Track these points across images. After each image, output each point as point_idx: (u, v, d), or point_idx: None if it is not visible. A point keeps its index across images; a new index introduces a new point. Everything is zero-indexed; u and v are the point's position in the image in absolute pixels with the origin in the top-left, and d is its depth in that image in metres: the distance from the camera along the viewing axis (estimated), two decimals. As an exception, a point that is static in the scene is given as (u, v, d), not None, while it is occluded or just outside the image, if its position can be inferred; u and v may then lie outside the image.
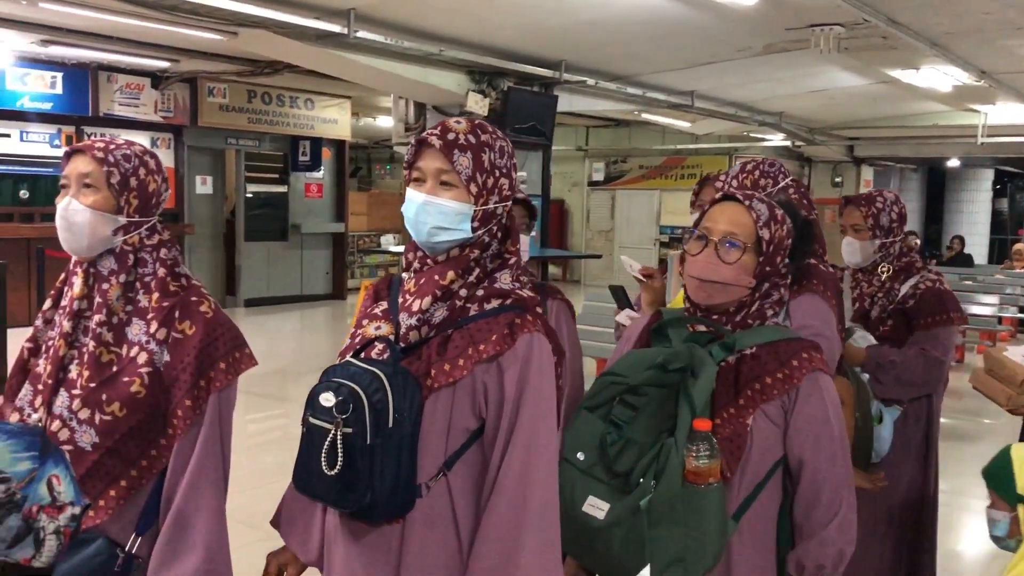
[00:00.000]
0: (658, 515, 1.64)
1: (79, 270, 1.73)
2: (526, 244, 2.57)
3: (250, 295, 11.96)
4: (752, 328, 1.76)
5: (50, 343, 1.74)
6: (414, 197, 1.59)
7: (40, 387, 1.69)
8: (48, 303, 1.79)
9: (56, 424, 1.62)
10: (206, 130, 11.17)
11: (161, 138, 10.90)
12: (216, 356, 1.72)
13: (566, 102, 9.10)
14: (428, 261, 1.61)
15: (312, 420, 1.52)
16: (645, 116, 11.88)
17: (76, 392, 1.66)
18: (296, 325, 11.34)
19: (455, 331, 1.56)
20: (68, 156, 1.74)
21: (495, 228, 1.62)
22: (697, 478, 1.62)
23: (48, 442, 1.17)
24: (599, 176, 16.49)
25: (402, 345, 1.57)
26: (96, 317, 1.70)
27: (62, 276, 1.79)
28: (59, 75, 9.80)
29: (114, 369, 1.68)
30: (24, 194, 9.84)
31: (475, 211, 1.57)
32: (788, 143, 14.62)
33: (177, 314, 1.72)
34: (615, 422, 1.71)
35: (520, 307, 1.58)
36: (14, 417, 1.66)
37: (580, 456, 1.73)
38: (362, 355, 1.60)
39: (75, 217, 1.69)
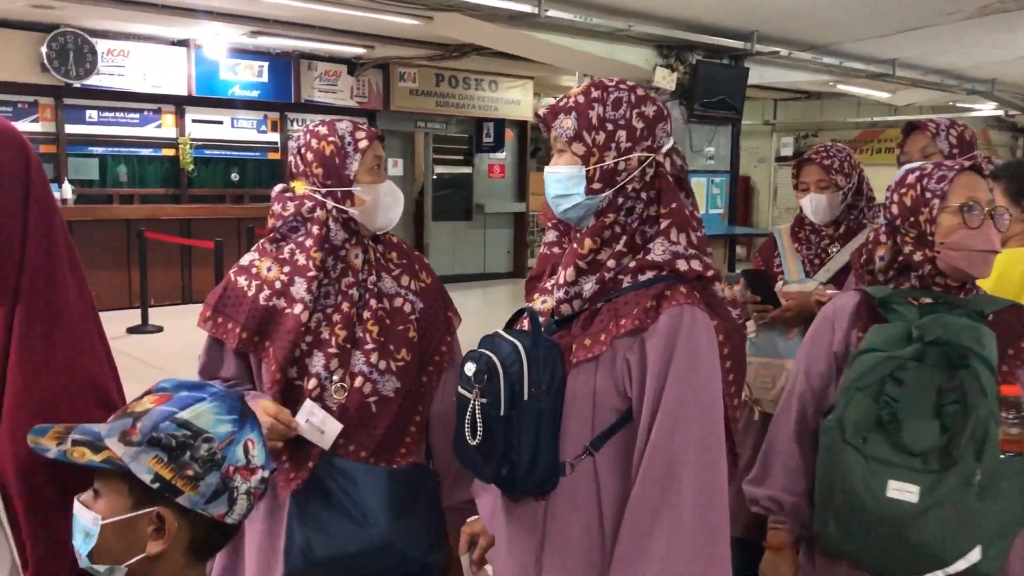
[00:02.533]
0: (982, 490, 1.54)
1: (353, 244, 1.88)
2: None
3: (437, 273, 12.28)
4: (975, 297, 1.72)
5: (329, 311, 1.84)
6: (546, 170, 1.57)
7: (332, 350, 1.81)
8: (303, 283, 1.83)
9: (359, 380, 1.82)
10: (397, 114, 11.58)
11: (362, 122, 11.36)
12: (447, 301, 2.03)
13: (756, 74, 8.77)
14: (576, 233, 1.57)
15: (459, 389, 1.53)
16: (840, 87, 11.27)
17: (369, 347, 1.84)
18: (479, 302, 11.60)
19: (604, 305, 1.48)
20: (372, 140, 1.88)
21: (630, 187, 1.50)
22: (1012, 446, 1.54)
23: (247, 407, 1.22)
24: (787, 151, 15.83)
25: (555, 319, 1.54)
26: (370, 278, 1.89)
27: (295, 251, 1.87)
28: (265, 64, 10.43)
29: (390, 321, 1.89)
30: (235, 177, 10.56)
31: (587, 171, 1.48)
32: (1000, 112, 13.50)
33: (417, 266, 2.00)
34: (887, 400, 1.60)
35: (675, 278, 1.46)
36: (311, 383, 1.80)
37: (862, 440, 1.60)
38: (515, 326, 1.59)
39: (399, 196, 1.92)
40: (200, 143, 10.13)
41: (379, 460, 1.83)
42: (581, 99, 1.51)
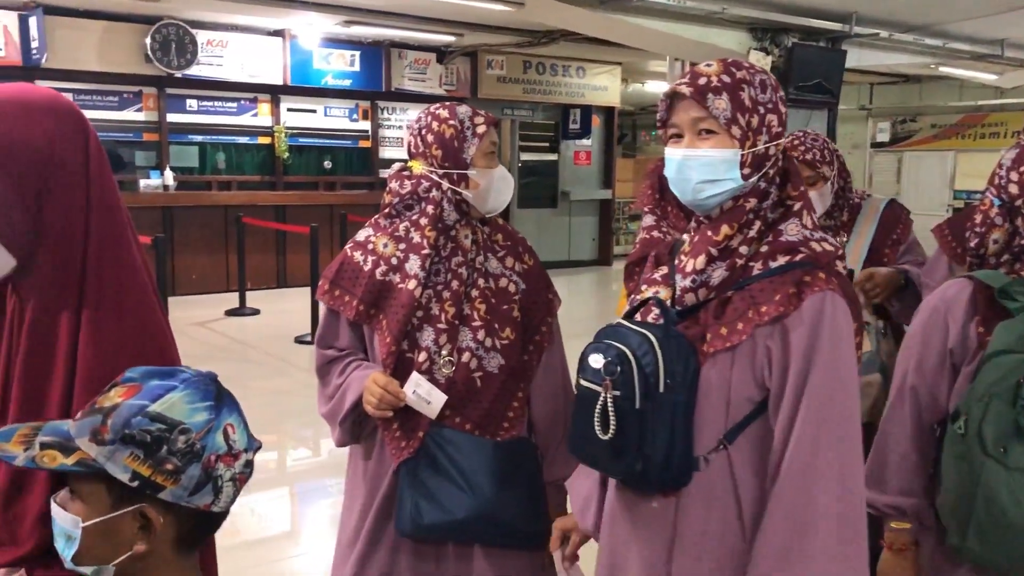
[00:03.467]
0: None
1: (464, 225, 1.94)
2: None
3: (523, 260, 12.36)
4: None
5: (440, 288, 1.91)
6: (673, 154, 1.48)
7: (441, 326, 1.89)
8: (417, 260, 1.92)
9: (467, 355, 1.90)
10: (485, 102, 11.62)
11: (443, 110, 11.47)
12: (548, 283, 2.07)
13: (854, 57, 8.52)
14: (702, 220, 1.50)
15: (582, 382, 1.47)
16: (942, 70, 10.87)
17: (476, 324, 1.91)
18: (564, 290, 11.51)
19: (735, 293, 1.43)
20: (490, 126, 1.94)
21: (771, 172, 1.47)
22: None
23: (222, 389, 1.15)
24: (884, 137, 15.36)
25: (678, 308, 1.48)
26: (478, 258, 1.96)
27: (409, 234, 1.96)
28: (357, 54, 10.60)
29: (495, 300, 1.95)
30: (327, 164, 10.78)
31: (743, 155, 1.43)
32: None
33: (520, 248, 2.05)
34: None
35: (811, 263, 1.42)
36: (422, 356, 1.88)
37: (1002, 450, 1.51)
38: (635, 318, 1.53)
39: (510, 181, 1.96)
40: (294, 131, 10.36)
41: (484, 432, 1.91)
42: (727, 79, 1.44)
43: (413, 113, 11.19)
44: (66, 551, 1.09)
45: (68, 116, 1.25)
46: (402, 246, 1.93)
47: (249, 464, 1.16)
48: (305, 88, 10.32)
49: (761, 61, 7.64)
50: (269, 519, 3.99)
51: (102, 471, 1.06)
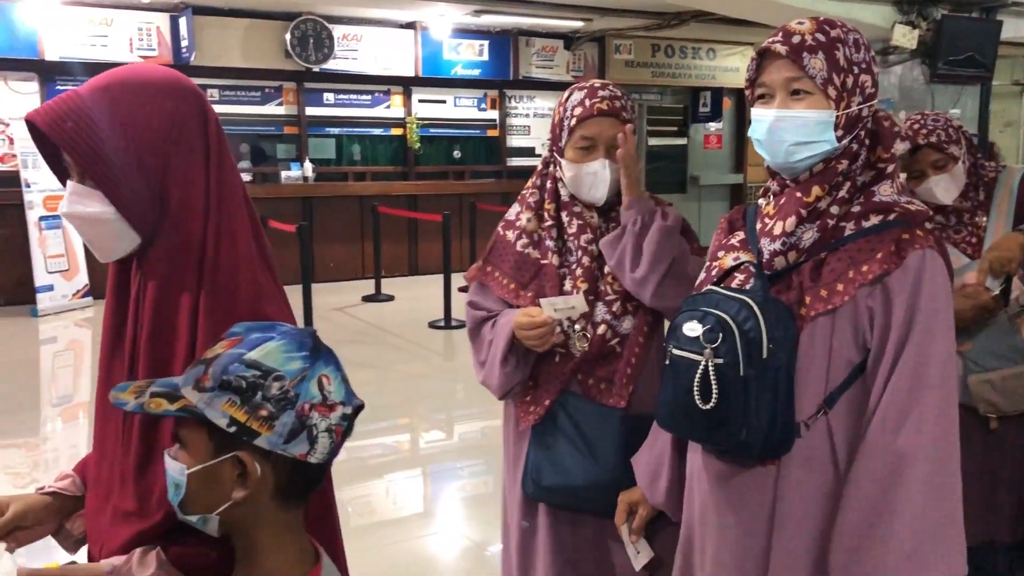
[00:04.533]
0: None
1: (588, 205, 1.93)
2: None
3: (651, 246, 12.22)
4: None
5: (573, 265, 1.94)
6: (762, 115, 1.44)
7: None
8: (546, 233, 1.98)
9: (602, 328, 1.90)
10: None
11: (571, 96, 11.45)
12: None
13: (1011, 28, 7.99)
14: (788, 183, 1.47)
15: (676, 351, 1.43)
16: (1108, 39, 10.07)
17: (611, 299, 1.91)
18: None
19: (829, 254, 1.41)
20: (584, 120, 1.88)
21: (862, 134, 1.44)
22: None
23: (319, 342, 1.15)
24: (1041, 113, 14.39)
25: (767, 273, 1.45)
26: (584, 236, 1.97)
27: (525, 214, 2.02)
28: (486, 43, 10.71)
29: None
30: (457, 154, 10.94)
31: (837, 117, 1.41)
32: None
33: None
34: None
35: (905, 222, 1.40)
36: (556, 331, 1.89)
37: None
38: (721, 286, 1.49)
39: (613, 175, 1.89)
40: (425, 122, 10.56)
41: (617, 401, 1.90)
42: (822, 38, 1.41)
43: (540, 101, 11.22)
44: (174, 498, 1.13)
45: (188, 96, 1.26)
46: (537, 221, 2.00)
47: (346, 417, 1.15)
48: (435, 79, 10.50)
49: (907, 36, 7.27)
50: (403, 500, 4.10)
51: (203, 417, 1.08)
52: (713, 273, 1.53)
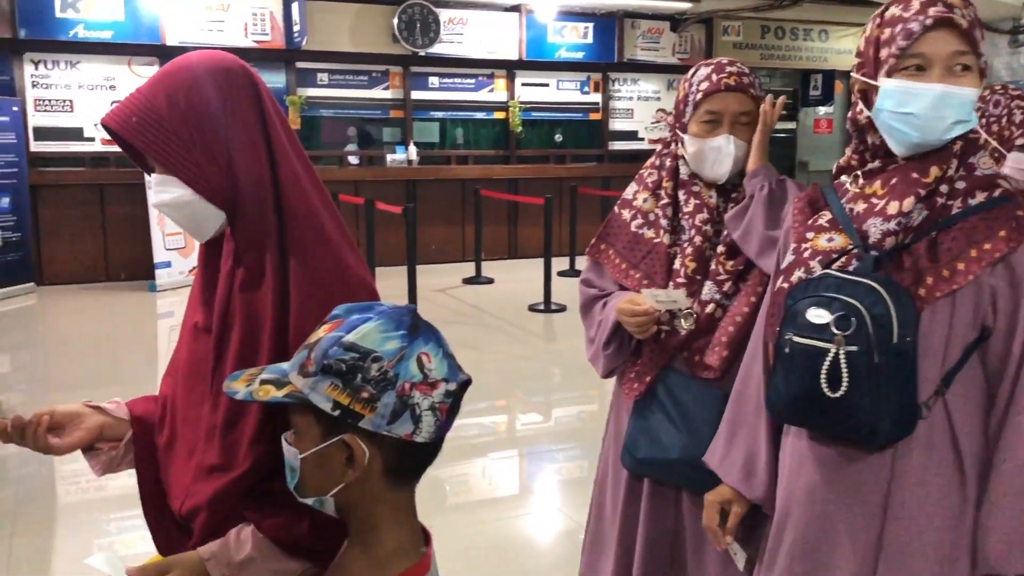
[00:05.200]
0: None
1: (707, 184, 1.94)
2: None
3: (755, 233, 11.97)
4: None
5: (684, 244, 1.94)
6: (922, 88, 1.38)
7: (680, 280, 1.92)
8: (660, 211, 1.98)
9: (710, 307, 1.89)
10: (719, 69, 11.31)
11: (676, 79, 11.29)
12: None
13: None
14: (899, 161, 1.44)
15: (798, 339, 1.40)
16: None
17: (722, 278, 1.90)
18: (801, 265, 11.13)
19: (939, 233, 1.39)
20: (710, 94, 1.88)
21: None
22: None
23: (418, 320, 1.14)
24: None
25: (875, 254, 1.41)
26: (700, 216, 1.96)
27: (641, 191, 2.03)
28: (590, 26, 10.64)
29: (741, 255, 1.92)
30: (558, 138, 10.93)
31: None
32: None
33: None
34: None
35: (1009, 198, 1.39)
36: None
37: None
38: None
39: (738, 152, 1.88)
40: (527, 105, 10.58)
41: (719, 378, 1.88)
42: (972, 13, 1.40)
43: (644, 84, 11.09)
44: (291, 482, 1.15)
45: (235, 72, 1.32)
46: (653, 201, 2.00)
47: (450, 394, 1.14)
48: (538, 62, 10.50)
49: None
50: (499, 480, 4.15)
51: (309, 402, 1.10)
52: (806, 255, 1.50)
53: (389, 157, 9.91)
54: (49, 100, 8.60)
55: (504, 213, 10.25)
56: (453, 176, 10.10)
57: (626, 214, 2.03)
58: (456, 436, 4.97)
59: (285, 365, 1.17)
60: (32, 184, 8.31)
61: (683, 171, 1.96)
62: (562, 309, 7.44)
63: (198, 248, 1.44)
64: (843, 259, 1.45)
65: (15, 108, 8.17)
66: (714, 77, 1.89)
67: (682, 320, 1.90)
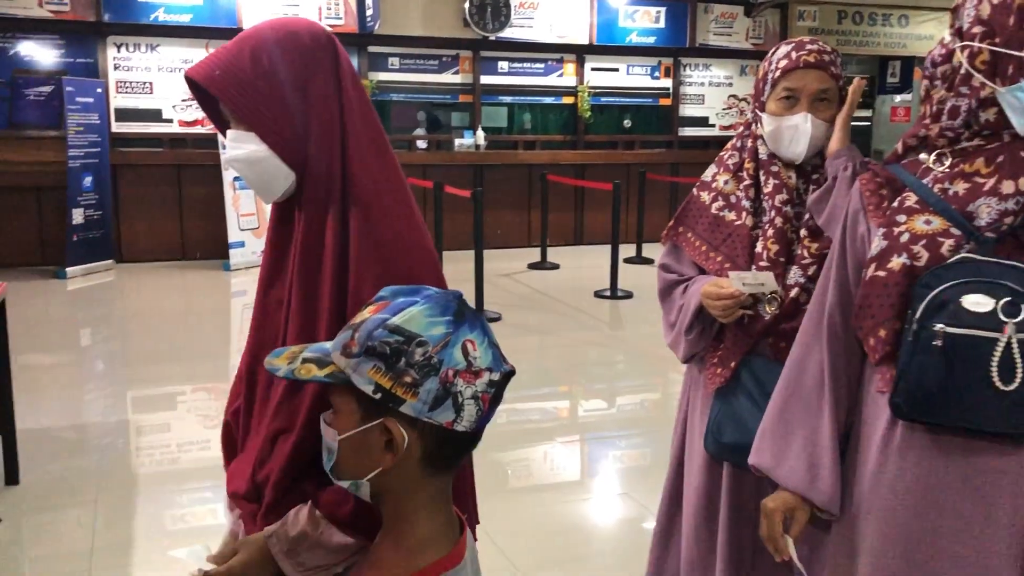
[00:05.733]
0: None
1: (787, 165, 1.92)
2: None
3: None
4: None
5: (765, 225, 1.93)
6: None
7: (763, 264, 1.90)
8: (742, 193, 1.96)
9: (794, 291, 1.87)
10: (794, 55, 11.08)
11: (749, 65, 11.11)
12: None
13: None
14: (1005, 138, 1.39)
15: (955, 330, 1.33)
16: None
17: (806, 262, 1.88)
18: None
19: None
20: (788, 71, 1.87)
21: None
22: None
23: (465, 307, 1.12)
24: None
25: (991, 236, 1.36)
26: (806, 198, 1.94)
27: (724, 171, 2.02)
28: (663, 10, 10.52)
29: (826, 239, 1.87)
30: (627, 123, 10.85)
31: None
32: None
33: None
34: None
35: None
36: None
37: None
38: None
39: (815, 131, 1.86)
40: (596, 90, 10.52)
41: None
42: None
43: (716, 70, 10.93)
44: (328, 464, 1.14)
45: (319, 36, 1.35)
46: (735, 182, 1.98)
47: (494, 384, 1.11)
48: (609, 47, 10.43)
49: None
50: (560, 465, 4.17)
51: (351, 384, 1.08)
52: (904, 239, 1.43)
53: (457, 142, 9.97)
54: (130, 82, 8.86)
55: (570, 199, 10.23)
56: (520, 161, 10.11)
57: (706, 196, 2.02)
58: (518, 420, 5.04)
59: (328, 344, 1.16)
60: (113, 164, 8.58)
61: (762, 151, 1.95)
62: (628, 296, 7.43)
63: (269, 213, 1.46)
64: (951, 242, 1.39)
65: (99, 90, 8.44)
66: (793, 55, 1.87)
67: (766, 304, 1.88)
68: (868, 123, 12.05)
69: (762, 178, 1.95)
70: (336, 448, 1.12)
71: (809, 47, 1.88)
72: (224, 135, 1.39)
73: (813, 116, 1.85)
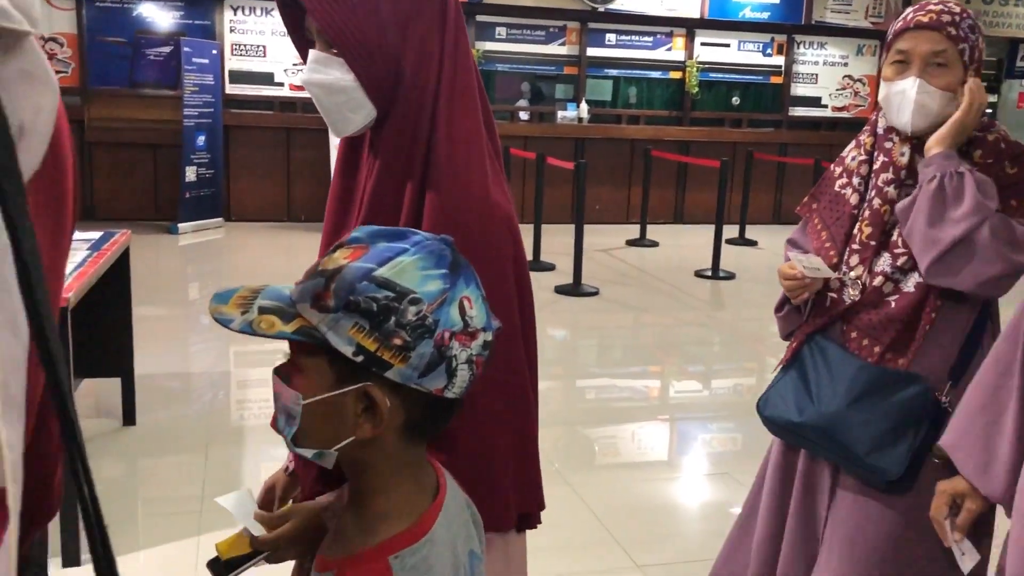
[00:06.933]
0: None
1: (901, 140, 1.78)
2: None
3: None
4: None
5: (865, 208, 1.83)
6: None
7: (855, 246, 1.82)
8: (857, 179, 1.87)
9: (879, 280, 1.78)
10: (916, 34, 10.59)
11: (867, 45, 10.68)
12: None
13: None
14: None
15: None
16: None
17: (899, 251, 1.77)
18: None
19: None
20: (901, 33, 1.75)
21: None
22: None
23: (458, 256, 0.97)
24: None
25: None
26: (883, 175, 1.82)
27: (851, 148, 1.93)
28: (778, -15, 10.19)
29: None
30: (735, 100, 10.58)
31: None
32: None
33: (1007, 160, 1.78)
34: None
35: None
36: (837, 273, 1.84)
37: None
38: None
39: (926, 99, 1.71)
40: (705, 66, 10.28)
41: (880, 358, 1.78)
42: None
43: (832, 49, 10.55)
44: (286, 430, 0.98)
45: None
46: (863, 157, 1.88)
47: (487, 346, 0.97)
48: (720, 22, 10.16)
49: None
50: (648, 445, 4.13)
51: (324, 342, 0.92)
52: None
53: (560, 114, 9.90)
54: (244, 45, 9.09)
55: (672, 176, 10.06)
56: (623, 136, 9.98)
57: (836, 171, 1.95)
58: (609, 398, 5.03)
59: (285, 289, 0.98)
60: (226, 124, 8.85)
61: (880, 124, 1.84)
62: (730, 277, 7.28)
63: (337, 150, 1.38)
64: None
65: (214, 51, 8.69)
66: (909, 15, 1.74)
67: (849, 288, 1.81)
68: (991, 111, 11.44)
69: (875, 152, 1.84)
70: (299, 413, 0.96)
71: (930, 7, 1.72)
72: (303, 57, 1.29)
73: (924, 82, 1.69)
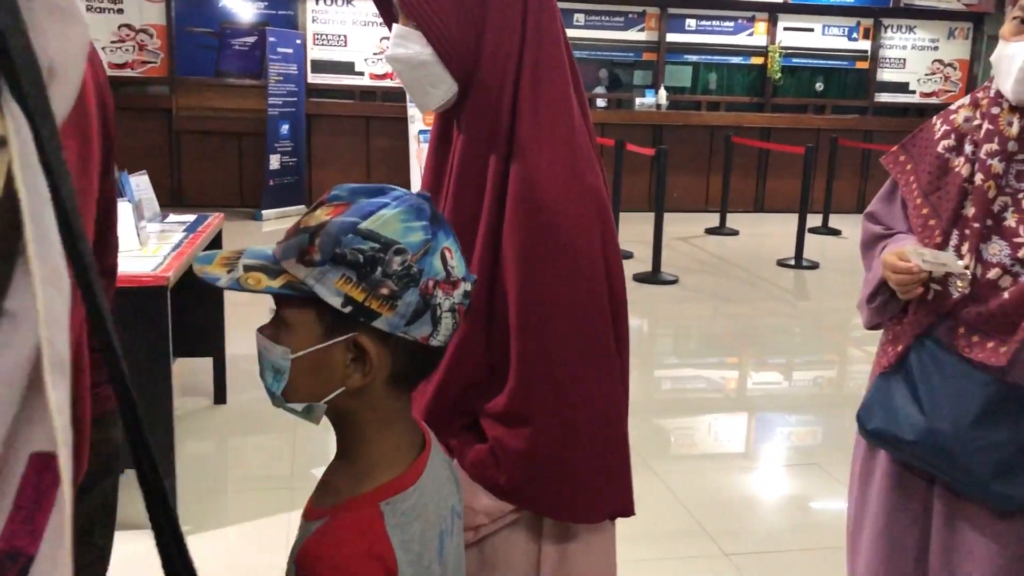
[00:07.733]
0: None
1: (1010, 109, 1.59)
2: None
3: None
4: None
5: (970, 183, 1.63)
6: None
7: (966, 231, 1.62)
8: (969, 147, 1.66)
9: (994, 272, 1.58)
10: (1013, 16, 10.16)
11: (959, 28, 10.30)
12: None
13: None
14: None
15: None
16: None
17: (1019, 240, 1.57)
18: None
19: None
20: None
21: None
22: None
23: (436, 209, 1.00)
24: None
25: None
26: (1020, 156, 1.60)
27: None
28: (866, -34, 9.89)
29: None
30: (819, 86, 10.33)
31: None
32: None
33: None
34: None
35: None
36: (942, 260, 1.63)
37: None
38: None
39: (1016, 63, 1.55)
40: (788, 51, 10.06)
41: (989, 356, 1.58)
42: None
43: (921, 33, 10.21)
44: (275, 385, 1.00)
45: None
46: (978, 121, 1.64)
47: (468, 295, 1.01)
48: (804, 6, 9.93)
49: None
50: (724, 436, 4.09)
51: (312, 295, 0.95)
52: None
53: (638, 101, 9.81)
54: (326, 35, 9.23)
55: (752, 164, 9.88)
56: (703, 122, 9.84)
57: (939, 126, 1.72)
58: (685, 388, 4.99)
59: (267, 249, 1.01)
60: (308, 113, 9.01)
61: (993, 87, 1.63)
62: (814, 266, 7.15)
63: (432, 126, 1.38)
64: None
65: (298, 41, 8.86)
66: None
67: (957, 280, 1.61)
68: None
69: (978, 120, 1.64)
70: (287, 368, 0.98)
71: None
72: (390, 29, 1.30)
73: None
